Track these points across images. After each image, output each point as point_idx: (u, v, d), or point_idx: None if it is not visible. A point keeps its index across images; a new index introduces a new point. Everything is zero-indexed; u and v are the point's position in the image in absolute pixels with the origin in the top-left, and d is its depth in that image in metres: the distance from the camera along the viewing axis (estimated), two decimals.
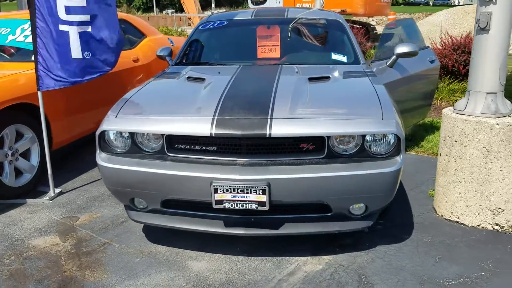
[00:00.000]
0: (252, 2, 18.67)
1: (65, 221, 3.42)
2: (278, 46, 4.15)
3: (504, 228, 3.14)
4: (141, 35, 6.07)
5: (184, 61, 4.12)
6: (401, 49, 3.95)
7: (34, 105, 3.82)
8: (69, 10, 3.46)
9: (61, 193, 3.96)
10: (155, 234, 3.15)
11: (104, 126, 2.74)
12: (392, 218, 3.33)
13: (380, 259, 2.81)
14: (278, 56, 4.06)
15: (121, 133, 2.75)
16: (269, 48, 4.17)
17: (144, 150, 2.75)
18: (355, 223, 2.77)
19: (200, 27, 4.47)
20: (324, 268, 2.73)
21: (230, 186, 2.52)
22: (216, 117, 2.63)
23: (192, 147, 2.69)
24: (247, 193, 2.53)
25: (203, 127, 2.58)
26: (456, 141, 3.18)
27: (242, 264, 2.78)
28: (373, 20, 23.94)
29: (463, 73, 7.14)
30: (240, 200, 2.56)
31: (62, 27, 3.48)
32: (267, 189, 2.50)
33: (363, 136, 2.61)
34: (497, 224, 3.15)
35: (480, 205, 3.15)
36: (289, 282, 2.60)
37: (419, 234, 3.10)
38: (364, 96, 2.95)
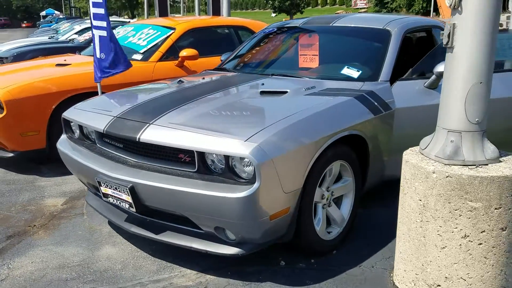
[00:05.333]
0: None
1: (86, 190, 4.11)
2: (317, 55, 3.91)
3: None
4: None
5: (221, 66, 4.29)
6: (443, 67, 3.21)
7: None
8: (95, 16, 4.12)
9: None
10: None
11: (63, 113, 3.26)
12: (333, 261, 2.85)
13: None
14: (317, 65, 3.83)
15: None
16: (309, 57, 3.96)
17: (88, 139, 3.16)
18: (223, 247, 2.57)
19: (256, 34, 4.54)
20: (187, 286, 2.63)
21: (107, 182, 2.70)
22: (116, 116, 2.83)
23: (107, 141, 2.96)
24: (120, 191, 2.66)
25: (102, 123, 2.83)
26: (401, 185, 2.52)
27: (134, 260, 2.91)
28: None
29: None
30: (118, 198, 2.71)
31: (94, 31, 4.18)
32: (130, 191, 2.58)
33: (227, 156, 2.41)
34: None
35: (416, 273, 2.43)
36: (137, 285, 2.63)
37: (329, 285, 2.60)
38: (267, 115, 2.67)
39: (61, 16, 44.01)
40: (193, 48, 5.25)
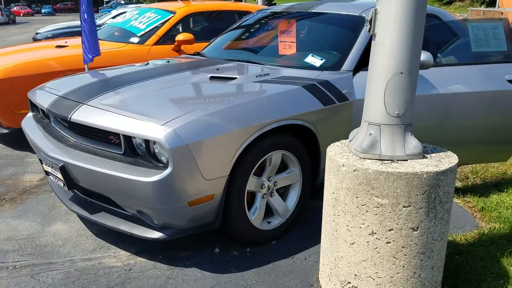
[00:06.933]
0: None
1: None
2: (294, 42, 3.81)
3: None
4: None
5: (202, 51, 4.28)
6: None
7: None
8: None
9: None
10: None
11: (28, 92, 3.38)
12: (268, 251, 2.81)
13: (139, 278, 2.54)
14: (294, 52, 3.75)
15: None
16: (288, 44, 3.88)
17: (48, 118, 3.26)
18: (147, 231, 2.58)
19: (240, 20, 4.48)
20: (113, 266, 2.68)
21: (46, 160, 2.79)
22: (60, 95, 2.90)
23: (58, 120, 3.04)
24: (55, 170, 2.74)
25: (47, 102, 2.91)
26: (324, 178, 2.43)
27: (77, 238, 2.99)
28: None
29: None
30: (55, 176, 2.79)
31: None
32: (61, 170, 2.65)
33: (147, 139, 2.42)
34: None
35: (330, 268, 2.35)
36: (68, 261, 2.70)
37: (250, 275, 2.57)
38: (198, 100, 2.64)
39: (122, 2, 45.18)
40: (193, 32, 5.27)
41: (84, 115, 2.62)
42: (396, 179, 2.03)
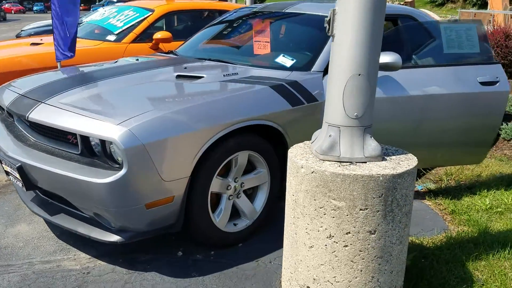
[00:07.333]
0: None
1: None
2: (268, 42, 3.76)
3: None
4: None
5: (175, 50, 4.22)
6: (384, 58, 3.03)
7: None
8: None
9: None
10: None
11: None
12: (233, 254, 2.76)
13: (96, 282, 2.48)
14: (269, 52, 3.70)
15: None
16: (263, 44, 3.83)
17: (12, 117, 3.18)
18: (105, 233, 2.51)
19: (216, 19, 4.43)
20: (71, 269, 2.61)
21: (4, 160, 2.71)
22: (21, 94, 2.83)
23: (20, 119, 2.96)
24: (14, 170, 2.67)
25: (8, 100, 2.84)
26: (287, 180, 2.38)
27: (38, 240, 2.92)
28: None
29: None
30: (14, 176, 2.72)
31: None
32: (18, 170, 2.57)
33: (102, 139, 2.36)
34: None
35: (291, 272, 2.30)
36: (26, 264, 2.64)
37: (212, 279, 2.51)
38: (159, 99, 2.59)
39: (114, 0, 44.76)
40: (172, 31, 5.22)
41: (42, 114, 2.56)
42: (353, 181, 1.99)
